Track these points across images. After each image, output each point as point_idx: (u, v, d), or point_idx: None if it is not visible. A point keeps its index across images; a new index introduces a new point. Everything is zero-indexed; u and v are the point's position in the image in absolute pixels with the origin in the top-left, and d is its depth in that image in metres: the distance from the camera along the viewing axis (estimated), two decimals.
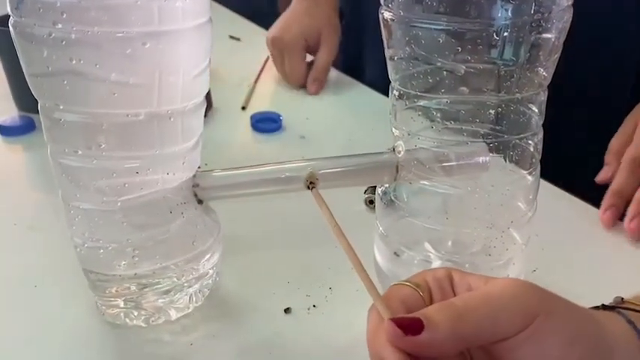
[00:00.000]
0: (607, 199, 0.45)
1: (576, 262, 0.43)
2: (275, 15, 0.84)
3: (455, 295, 0.25)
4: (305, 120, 0.66)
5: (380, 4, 0.33)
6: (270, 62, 0.85)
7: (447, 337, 0.22)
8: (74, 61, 0.28)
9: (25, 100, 0.67)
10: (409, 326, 0.21)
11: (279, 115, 0.65)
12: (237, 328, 0.36)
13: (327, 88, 0.77)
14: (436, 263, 0.38)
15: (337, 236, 0.29)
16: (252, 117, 0.65)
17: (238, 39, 0.93)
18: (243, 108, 0.69)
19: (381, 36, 0.34)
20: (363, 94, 0.75)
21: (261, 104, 0.71)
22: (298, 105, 0.71)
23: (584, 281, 0.40)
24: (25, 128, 0.62)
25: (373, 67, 0.80)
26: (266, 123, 0.64)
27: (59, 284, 0.40)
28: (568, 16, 0.31)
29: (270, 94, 0.76)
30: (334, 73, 0.81)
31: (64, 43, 0.27)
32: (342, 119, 0.69)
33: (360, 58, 0.82)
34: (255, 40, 0.92)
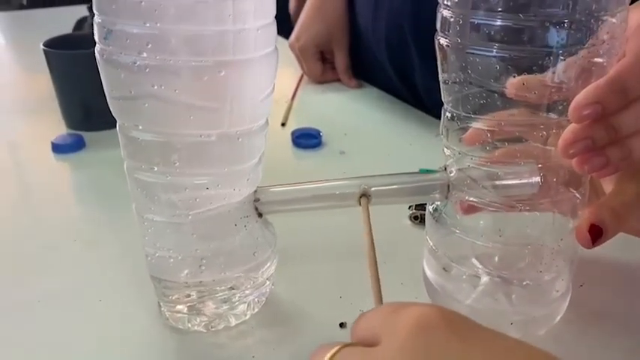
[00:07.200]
0: None
1: (622, 276, 0.43)
2: (289, 24, 0.88)
3: None
4: (343, 136, 0.68)
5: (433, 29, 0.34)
6: (306, 78, 0.87)
7: None
8: (155, 87, 0.30)
9: (74, 118, 0.68)
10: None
11: (319, 131, 0.67)
12: (293, 338, 0.38)
13: (363, 104, 0.79)
14: (484, 279, 0.39)
15: (368, 254, 0.31)
16: (293, 133, 0.67)
17: None
18: (283, 124, 0.72)
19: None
20: (400, 109, 0.77)
21: (299, 121, 0.73)
22: (336, 121, 0.73)
23: (630, 295, 0.41)
24: (75, 146, 0.64)
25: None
26: (306, 139, 0.66)
27: (122, 296, 0.42)
28: (622, 42, 0.32)
29: (307, 111, 0.78)
30: (372, 90, 0.83)
31: (147, 70, 0.30)
32: (380, 135, 0.70)
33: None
34: (289, 55, 0.94)
